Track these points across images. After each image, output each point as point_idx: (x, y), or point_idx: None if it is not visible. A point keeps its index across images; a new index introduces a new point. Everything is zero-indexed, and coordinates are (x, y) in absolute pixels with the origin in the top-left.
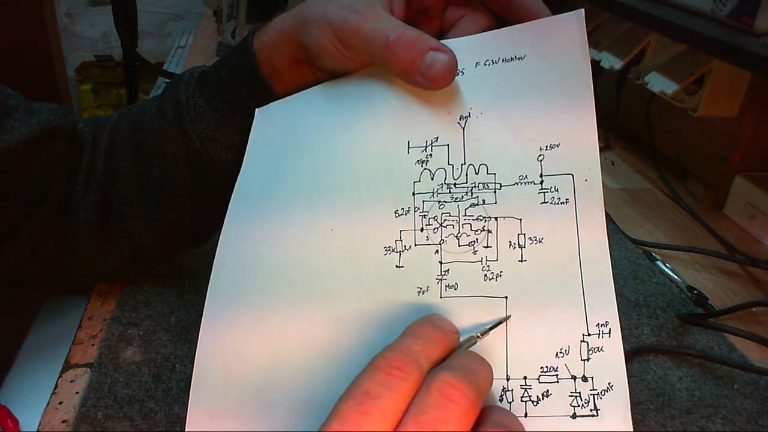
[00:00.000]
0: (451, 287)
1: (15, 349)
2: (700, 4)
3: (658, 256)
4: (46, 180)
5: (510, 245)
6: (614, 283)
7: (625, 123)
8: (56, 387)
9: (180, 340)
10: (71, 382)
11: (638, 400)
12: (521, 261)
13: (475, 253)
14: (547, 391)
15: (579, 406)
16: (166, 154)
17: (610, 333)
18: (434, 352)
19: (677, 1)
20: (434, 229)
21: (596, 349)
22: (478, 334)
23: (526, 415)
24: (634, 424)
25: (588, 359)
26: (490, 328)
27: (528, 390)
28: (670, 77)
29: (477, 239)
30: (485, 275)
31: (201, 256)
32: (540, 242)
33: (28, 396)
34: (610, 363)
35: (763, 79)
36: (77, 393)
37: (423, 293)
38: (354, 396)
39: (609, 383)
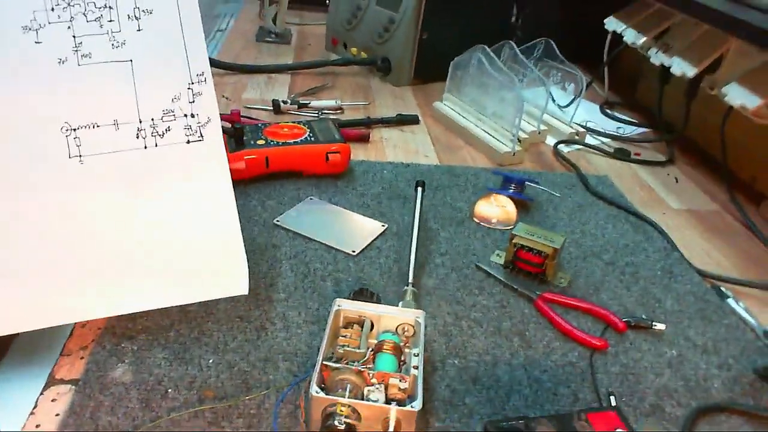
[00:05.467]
0: (86, 56)
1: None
2: None
3: (729, 293)
4: None
5: (129, 18)
6: (679, 322)
7: (693, 136)
8: (36, 406)
9: (177, 359)
10: (53, 401)
11: None
12: (139, 30)
13: (101, 27)
14: (169, 127)
15: (191, 134)
16: None
17: (205, 80)
18: None
19: (764, 3)
20: (63, 8)
21: (198, 93)
22: None
23: (156, 145)
24: None
25: (193, 101)
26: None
27: (156, 128)
28: (753, 90)
29: (102, 15)
30: (112, 44)
31: None
32: (150, 13)
33: (8, 409)
34: (208, 102)
35: None
36: (57, 415)
37: (63, 63)
38: None
39: (208, 117)
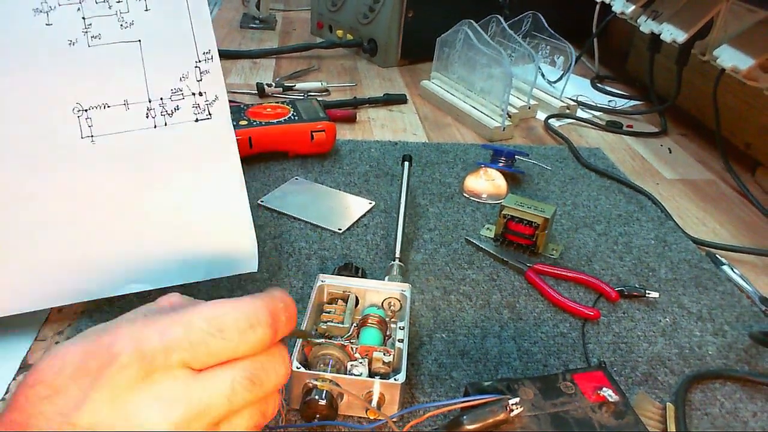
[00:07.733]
0: (95, 37)
1: None
2: None
3: (724, 260)
4: None
5: None
6: (673, 290)
7: (686, 105)
8: (7, 392)
9: None
10: None
11: None
12: (146, 10)
13: (110, 8)
14: (178, 106)
15: (199, 113)
16: None
17: (212, 58)
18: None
19: None
20: None
21: (205, 71)
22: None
23: (166, 125)
24: None
25: (201, 79)
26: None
27: (165, 107)
28: (745, 51)
29: None
30: (121, 24)
31: None
32: None
33: None
34: (215, 80)
35: None
36: None
37: (73, 44)
38: None
39: (216, 95)
